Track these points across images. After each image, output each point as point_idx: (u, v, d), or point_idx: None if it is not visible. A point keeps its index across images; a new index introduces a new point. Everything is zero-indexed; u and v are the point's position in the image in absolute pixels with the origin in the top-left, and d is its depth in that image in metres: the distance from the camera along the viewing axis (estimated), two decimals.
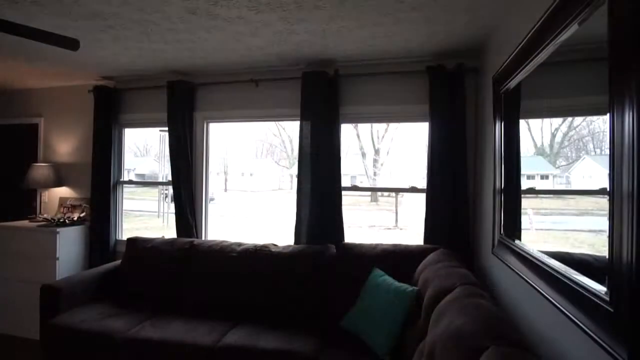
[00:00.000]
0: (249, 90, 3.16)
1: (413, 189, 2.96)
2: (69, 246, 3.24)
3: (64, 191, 3.73)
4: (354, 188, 3.33)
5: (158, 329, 2.25)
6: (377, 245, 2.60)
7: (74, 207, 3.59)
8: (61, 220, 3.30)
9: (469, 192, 2.64)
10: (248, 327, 2.28)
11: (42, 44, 2.07)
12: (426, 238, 2.70)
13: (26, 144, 3.91)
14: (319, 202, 2.84)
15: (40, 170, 3.49)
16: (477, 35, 2.34)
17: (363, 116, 2.99)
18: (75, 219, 3.39)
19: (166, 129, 3.28)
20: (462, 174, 2.61)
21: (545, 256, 1.38)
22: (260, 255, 2.68)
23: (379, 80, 2.86)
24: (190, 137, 3.24)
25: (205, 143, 3.33)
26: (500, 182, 1.93)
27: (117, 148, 3.49)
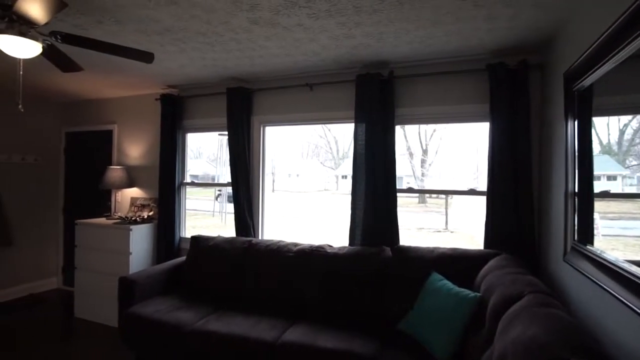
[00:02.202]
0: (303, 94, 3.24)
1: (472, 192, 2.86)
2: (139, 242, 3.52)
3: (134, 192, 4.07)
4: (409, 190, 3.28)
5: (223, 323, 2.38)
6: (434, 248, 2.55)
7: (143, 207, 3.90)
8: (133, 219, 3.60)
9: (533, 195, 2.50)
10: (306, 325, 2.34)
11: (121, 57, 2.28)
12: (487, 243, 2.60)
13: (103, 149, 4.31)
14: (374, 204, 2.84)
15: (115, 172, 3.83)
16: (544, 30, 2.21)
17: (418, 117, 2.94)
18: (145, 217, 3.68)
19: (224, 133, 3.46)
20: (526, 175, 2.48)
21: (634, 266, 1.28)
22: (315, 256, 2.73)
23: (436, 80, 2.81)
24: (248, 140, 3.39)
25: (261, 146, 3.47)
26: (573, 185, 1.81)
27: (181, 152, 3.73)
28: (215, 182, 8.07)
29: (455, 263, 2.41)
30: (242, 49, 2.62)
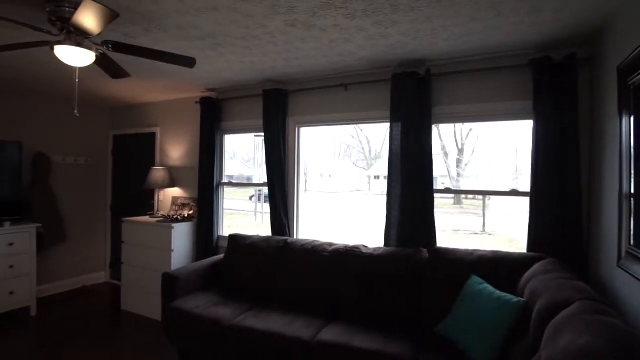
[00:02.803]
0: (338, 95, 3.25)
1: (514, 192, 2.75)
2: (180, 240, 3.67)
3: (175, 191, 4.25)
4: (447, 191, 3.20)
5: (260, 320, 2.43)
6: (473, 251, 2.47)
7: (183, 206, 4.06)
8: (174, 217, 3.76)
9: (582, 197, 2.36)
10: (341, 325, 2.34)
11: (165, 63, 2.39)
12: (530, 246, 2.49)
13: (146, 150, 4.54)
14: (410, 204, 2.79)
15: (158, 172, 4.02)
16: (594, 21, 2.09)
17: (456, 116, 2.86)
18: (186, 215, 3.83)
19: (261, 134, 3.54)
20: (573, 176, 2.35)
21: None
22: (351, 256, 2.73)
23: (475, 78, 2.73)
24: (284, 141, 3.44)
25: (296, 147, 3.51)
26: (629, 186, 1.70)
27: (219, 153, 3.86)
28: (250, 182, 8.28)
29: (496, 266, 2.33)
30: (278, 52, 2.66)
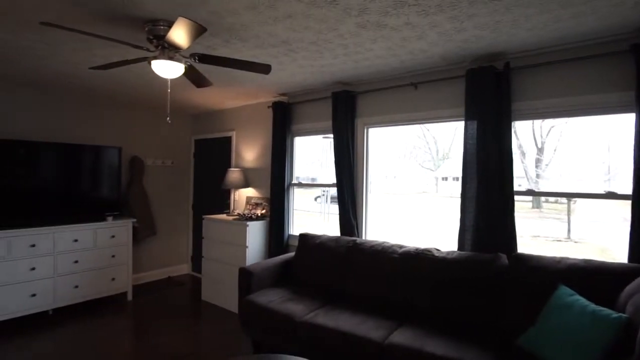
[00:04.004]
0: (407, 94, 3.19)
1: (611, 195, 2.45)
2: (254, 237, 3.88)
3: (249, 191, 4.51)
4: (528, 192, 2.96)
5: (331, 318, 2.48)
6: (561, 259, 2.26)
7: (256, 205, 4.29)
8: (249, 216, 3.99)
9: None
10: (413, 328, 2.29)
11: (240, 71, 2.56)
12: (632, 256, 2.20)
13: (224, 153, 4.88)
14: (486, 207, 2.64)
15: (234, 174, 4.30)
16: None
17: (539, 111, 2.64)
18: (259, 214, 4.04)
19: (329, 136, 3.60)
20: None
21: None
22: (422, 259, 2.66)
23: (561, 69, 2.50)
24: (352, 142, 3.47)
25: (365, 148, 3.51)
26: None
27: (290, 155, 4.01)
28: (317, 183, 8.45)
29: (589, 277, 2.10)
30: (348, 54, 2.70)
